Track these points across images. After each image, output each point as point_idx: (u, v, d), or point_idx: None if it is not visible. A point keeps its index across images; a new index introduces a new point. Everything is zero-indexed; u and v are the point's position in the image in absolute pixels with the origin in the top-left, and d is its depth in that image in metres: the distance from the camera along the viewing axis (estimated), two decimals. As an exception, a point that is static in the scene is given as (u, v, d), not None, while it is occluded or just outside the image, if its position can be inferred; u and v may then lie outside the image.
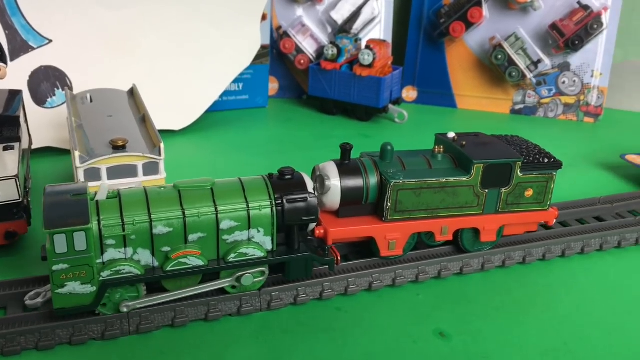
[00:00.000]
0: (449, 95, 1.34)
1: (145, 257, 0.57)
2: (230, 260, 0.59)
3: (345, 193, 0.66)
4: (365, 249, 0.70)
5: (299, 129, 1.15)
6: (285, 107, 1.28)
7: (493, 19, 1.27)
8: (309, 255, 0.62)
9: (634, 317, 0.65)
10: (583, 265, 0.74)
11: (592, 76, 1.26)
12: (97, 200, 0.56)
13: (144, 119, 0.80)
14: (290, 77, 1.33)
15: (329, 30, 1.29)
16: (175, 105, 1.08)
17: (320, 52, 1.27)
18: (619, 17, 1.23)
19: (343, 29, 1.26)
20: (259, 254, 0.60)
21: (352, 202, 0.66)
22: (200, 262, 0.58)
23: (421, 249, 0.71)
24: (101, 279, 0.55)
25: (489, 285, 0.69)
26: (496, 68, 1.27)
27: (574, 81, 1.27)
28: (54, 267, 0.53)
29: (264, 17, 1.19)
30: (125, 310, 0.58)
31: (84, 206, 0.54)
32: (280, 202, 0.60)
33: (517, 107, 1.31)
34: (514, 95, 1.30)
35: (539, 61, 1.25)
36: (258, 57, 1.20)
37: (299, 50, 1.27)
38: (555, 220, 0.74)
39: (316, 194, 0.63)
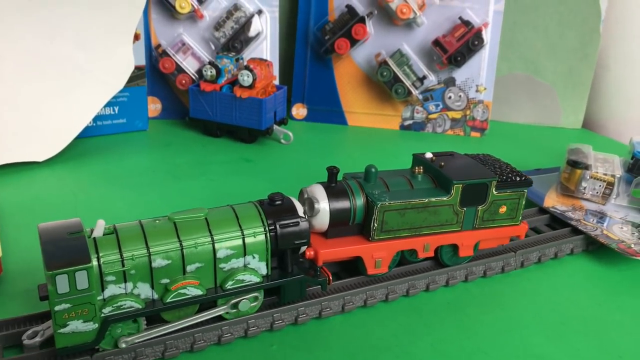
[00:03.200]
0: (338, 112, 1.31)
1: (145, 290, 0.58)
2: (228, 287, 0.61)
3: (334, 215, 0.68)
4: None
5: (178, 155, 1.10)
6: (167, 129, 1.22)
7: (378, 35, 1.26)
8: (303, 277, 0.64)
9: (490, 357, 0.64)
10: (447, 299, 0.73)
11: (476, 91, 1.27)
12: (94, 238, 0.56)
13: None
14: (173, 98, 1.27)
15: (213, 48, 1.24)
16: (37, 134, 1.00)
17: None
18: (500, 32, 1.25)
19: (226, 47, 1.22)
20: (255, 279, 0.62)
21: (340, 223, 0.69)
22: (199, 292, 0.59)
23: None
24: (103, 315, 0.56)
25: (349, 329, 0.67)
26: (384, 84, 1.26)
27: (460, 96, 1.28)
28: (56, 308, 0.53)
29: (136, 37, 1.13)
30: (124, 345, 0.57)
31: (83, 245, 0.54)
32: (273, 227, 0.62)
33: (407, 122, 1.30)
34: (402, 111, 1.30)
35: (424, 77, 1.25)
36: (134, 79, 1.14)
37: (179, 70, 1.22)
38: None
39: (306, 217, 0.65)
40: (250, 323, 0.63)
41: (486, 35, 1.22)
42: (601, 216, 0.90)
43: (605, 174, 0.94)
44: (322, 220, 0.68)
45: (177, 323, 0.60)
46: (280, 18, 1.29)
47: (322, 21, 1.26)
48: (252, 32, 1.23)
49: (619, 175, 0.94)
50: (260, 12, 1.23)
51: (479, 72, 1.26)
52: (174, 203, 0.91)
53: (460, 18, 1.22)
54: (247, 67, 1.11)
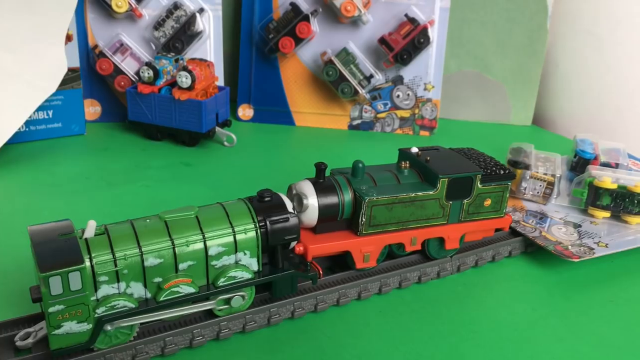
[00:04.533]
0: (285, 112, 1.29)
1: (138, 289, 0.58)
2: (220, 284, 0.61)
3: (323, 211, 0.69)
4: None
5: (114, 160, 1.06)
6: (107, 133, 1.18)
7: (324, 33, 1.23)
8: (294, 272, 0.65)
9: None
10: (379, 307, 0.70)
11: (425, 89, 1.25)
12: (86, 239, 0.56)
13: None
14: (114, 100, 1.22)
15: (154, 48, 1.20)
16: (-38, 142, 0.96)
17: (143, 72, 1.18)
18: (446, 29, 1.23)
19: (167, 47, 1.18)
20: (247, 275, 0.62)
21: (328, 219, 0.70)
22: (191, 290, 0.60)
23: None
24: (96, 315, 0.56)
25: (274, 343, 0.64)
26: (330, 84, 1.23)
27: (408, 95, 1.26)
28: (50, 309, 0.53)
29: (69, 38, 1.09)
30: (109, 328, 0.57)
31: (75, 246, 0.54)
32: (263, 224, 0.63)
33: (355, 122, 1.28)
34: (350, 110, 1.27)
35: (371, 76, 1.23)
36: (68, 81, 1.10)
37: (118, 72, 1.18)
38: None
39: (295, 212, 0.66)
40: (167, 340, 0.61)
41: (432, 32, 1.21)
42: (541, 217, 0.89)
43: (546, 174, 0.93)
44: (311, 216, 0.68)
45: (167, 311, 0.60)
46: (224, 16, 1.26)
47: (266, 19, 1.23)
48: (193, 32, 1.19)
49: (559, 175, 0.93)
50: (201, 10, 1.20)
51: (426, 70, 1.24)
52: (104, 212, 0.88)
53: (406, 15, 1.20)
54: (185, 68, 1.07)
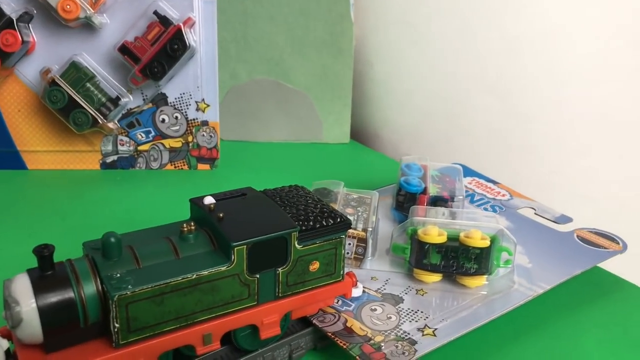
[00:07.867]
0: (11, 153, 0.94)
1: None
2: None
3: (48, 318, 0.47)
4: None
5: None
6: None
7: (48, 43, 0.90)
8: None
9: None
10: None
11: (197, 109, 0.95)
12: None
13: None
14: None
15: None
16: None
17: None
18: (216, 28, 0.93)
19: None
20: None
21: (63, 329, 0.48)
22: None
23: None
24: None
25: None
26: (57, 113, 0.90)
27: (176, 118, 0.95)
28: None
29: None
30: None
31: None
32: None
33: (109, 159, 0.96)
34: (101, 144, 0.95)
35: (118, 98, 0.91)
36: None
37: None
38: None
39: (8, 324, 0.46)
40: None
41: (193, 34, 0.90)
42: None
43: (355, 228, 0.65)
44: (31, 329, 0.46)
45: None
46: None
47: (-42, 28, 0.88)
48: None
49: (371, 228, 0.65)
50: None
51: (197, 85, 0.94)
52: None
53: (155, 13, 0.89)
54: None
